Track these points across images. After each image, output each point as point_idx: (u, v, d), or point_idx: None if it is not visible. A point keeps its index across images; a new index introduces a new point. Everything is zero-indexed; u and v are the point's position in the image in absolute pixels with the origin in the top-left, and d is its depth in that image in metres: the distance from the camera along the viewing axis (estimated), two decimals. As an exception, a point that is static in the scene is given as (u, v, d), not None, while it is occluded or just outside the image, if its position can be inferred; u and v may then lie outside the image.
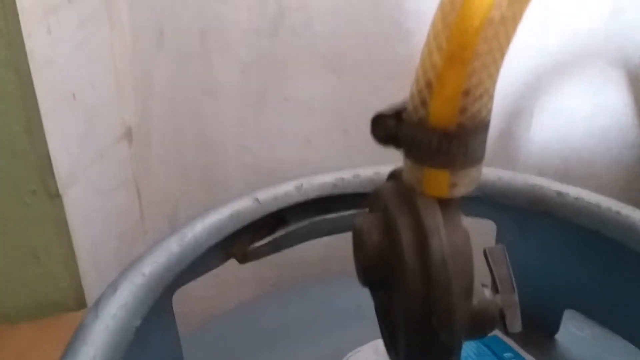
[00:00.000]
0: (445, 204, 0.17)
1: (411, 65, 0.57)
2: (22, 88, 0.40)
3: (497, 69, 0.16)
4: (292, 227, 0.33)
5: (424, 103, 0.16)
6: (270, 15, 0.50)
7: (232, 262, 0.65)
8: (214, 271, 0.66)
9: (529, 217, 0.32)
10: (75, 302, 0.50)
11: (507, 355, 0.32)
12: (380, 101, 0.58)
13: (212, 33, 0.51)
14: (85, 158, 0.49)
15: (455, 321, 0.16)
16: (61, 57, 0.44)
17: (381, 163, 0.35)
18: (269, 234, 0.33)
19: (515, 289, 0.21)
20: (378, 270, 0.18)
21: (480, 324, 0.20)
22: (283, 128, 0.56)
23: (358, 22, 0.50)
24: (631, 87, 0.54)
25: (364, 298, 0.41)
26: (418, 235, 0.17)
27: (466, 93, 0.16)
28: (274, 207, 0.32)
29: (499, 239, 0.35)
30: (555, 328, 0.35)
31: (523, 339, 0.34)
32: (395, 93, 0.60)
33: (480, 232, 0.23)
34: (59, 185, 0.44)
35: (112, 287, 0.24)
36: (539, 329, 0.35)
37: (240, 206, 0.30)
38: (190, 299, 0.39)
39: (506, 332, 0.20)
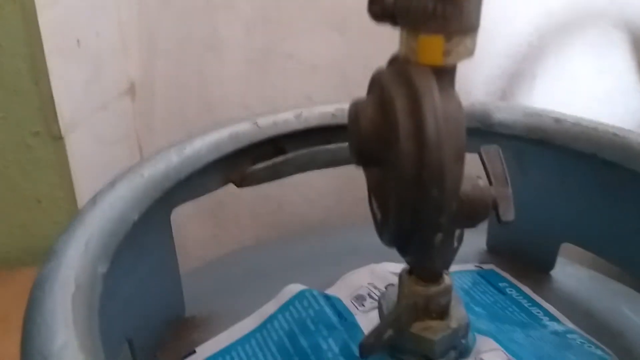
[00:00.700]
0: (440, 74, 0.18)
1: None
2: (26, 24, 0.41)
3: None
4: (290, 155, 0.33)
5: (419, -36, 0.16)
6: (274, -31, 0.51)
7: (231, 223, 0.65)
8: (212, 232, 0.67)
9: (527, 148, 0.32)
10: (76, 250, 0.50)
11: (502, 284, 0.33)
12: (383, 60, 0.58)
13: (216, -13, 0.52)
14: (88, 106, 0.49)
15: (446, 177, 0.17)
16: (66, 0, 0.44)
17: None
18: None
19: (509, 183, 0.21)
20: (372, 143, 0.18)
21: (474, 209, 0.20)
22: (285, 86, 0.56)
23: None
24: (635, 51, 0.54)
25: (360, 240, 0.42)
26: (411, 99, 0.17)
27: (461, -50, 0.16)
28: (272, 132, 0.32)
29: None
30: (551, 264, 0.35)
31: (518, 273, 0.34)
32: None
33: (479, 167, 0.23)
34: (61, 128, 0.45)
35: (111, 183, 0.24)
36: (535, 264, 0.35)
37: (239, 128, 0.31)
38: (189, 259, 0.39)
39: (499, 220, 0.21)
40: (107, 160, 0.53)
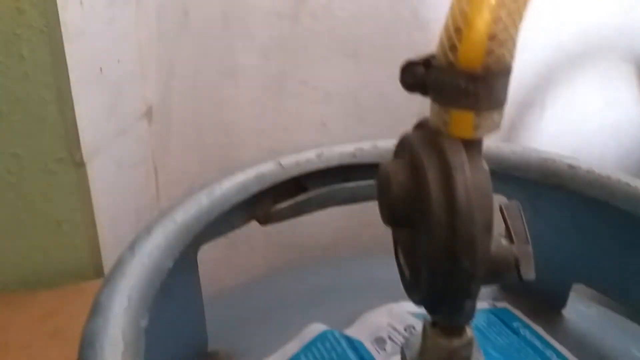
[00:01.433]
0: (469, 146, 0.19)
1: (426, 52, 0.58)
2: (54, 57, 0.42)
3: (522, 16, 0.17)
4: (312, 193, 0.34)
5: (453, 47, 0.18)
6: (292, -1, 0.52)
7: (243, 245, 0.66)
8: (225, 253, 0.68)
9: (541, 191, 0.33)
10: (94, 271, 0.51)
11: (515, 324, 0.34)
12: (396, 87, 0.59)
13: (234, 15, 0.53)
14: (109, 131, 0.50)
15: (477, 249, 0.18)
16: (91, 31, 0.45)
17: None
18: (290, 199, 0.34)
19: (530, 241, 0.22)
20: (403, 207, 0.19)
21: (497, 269, 0.21)
22: (300, 112, 0.57)
23: (377, 8, 0.52)
24: (642, 83, 0.55)
25: (376, 272, 0.42)
26: (443, 172, 0.18)
27: (492, 37, 0.17)
28: (295, 172, 0.33)
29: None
30: (563, 302, 0.36)
31: (531, 312, 0.35)
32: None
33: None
34: (84, 154, 0.46)
35: (146, 230, 0.25)
36: (547, 303, 0.36)
37: (264, 168, 0.32)
38: (202, 280, 0.40)
39: (520, 278, 0.22)
40: (124, 183, 0.55)
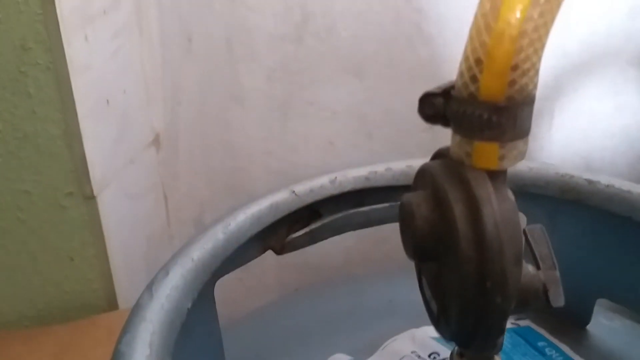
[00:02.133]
0: (493, 176, 0.18)
1: (433, 68, 0.58)
2: (61, 92, 0.42)
3: (543, 45, 0.17)
4: (326, 220, 0.34)
5: (474, 79, 0.17)
6: (295, 21, 0.52)
7: (255, 266, 0.66)
8: (237, 275, 0.67)
9: (559, 207, 0.33)
10: (107, 304, 0.51)
11: (540, 344, 0.33)
12: (402, 104, 0.59)
13: (238, 40, 0.53)
14: (117, 162, 0.50)
15: (509, 284, 0.17)
16: (97, 64, 0.45)
17: (412, 157, 0.36)
18: (304, 226, 0.34)
19: (557, 265, 0.22)
20: (428, 242, 0.19)
21: (525, 297, 0.20)
22: (307, 132, 0.57)
23: (380, 26, 0.52)
24: (651, 87, 0.55)
25: (394, 294, 0.42)
26: (469, 206, 0.18)
27: (515, 68, 0.17)
28: (309, 199, 0.33)
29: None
30: (587, 318, 0.35)
31: (555, 329, 0.34)
32: (417, 96, 0.61)
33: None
34: (93, 187, 0.46)
35: (164, 270, 0.25)
36: (571, 319, 0.35)
37: (278, 198, 0.31)
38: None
39: (549, 306, 0.21)
40: (134, 212, 0.54)
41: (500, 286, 0.17)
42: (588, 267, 0.33)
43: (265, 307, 0.44)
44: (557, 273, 0.22)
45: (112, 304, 0.51)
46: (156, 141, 0.58)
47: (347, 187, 0.34)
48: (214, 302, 0.30)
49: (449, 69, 0.53)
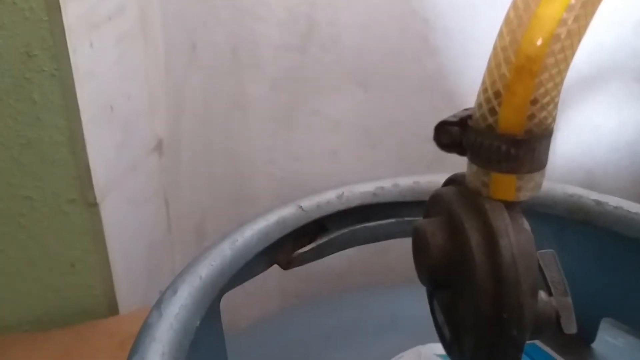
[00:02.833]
0: (510, 207, 0.18)
1: (438, 81, 0.58)
2: (65, 99, 0.42)
3: (562, 79, 0.17)
4: (333, 235, 0.34)
5: (492, 111, 0.17)
6: (300, 31, 0.52)
7: (257, 277, 0.66)
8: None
9: (566, 227, 0.33)
10: (108, 310, 0.51)
11: (546, 363, 0.33)
12: (406, 115, 0.59)
13: (243, 48, 0.53)
14: (120, 169, 0.50)
15: (525, 317, 0.17)
16: (101, 71, 0.45)
17: (419, 173, 0.36)
18: (310, 241, 0.33)
19: (569, 292, 0.22)
20: (443, 270, 0.19)
21: (539, 325, 0.20)
22: (310, 142, 0.57)
23: (386, 37, 0.52)
24: (655, 102, 0.55)
25: (397, 308, 0.42)
26: (486, 237, 0.18)
27: (534, 102, 0.17)
28: (316, 215, 0.32)
29: (537, 247, 0.35)
30: (592, 337, 0.35)
31: (561, 347, 0.34)
32: (422, 107, 0.61)
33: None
34: (96, 194, 0.45)
35: (172, 288, 0.24)
36: (577, 337, 0.35)
37: (285, 213, 0.31)
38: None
39: (562, 333, 0.21)
40: (136, 218, 0.54)
41: (516, 319, 0.17)
42: (594, 286, 0.33)
43: (265, 321, 0.44)
44: (570, 299, 0.22)
45: (112, 310, 0.51)
46: (158, 147, 0.58)
47: (354, 203, 0.34)
48: (220, 318, 0.30)
49: (454, 82, 0.53)
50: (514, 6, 0.17)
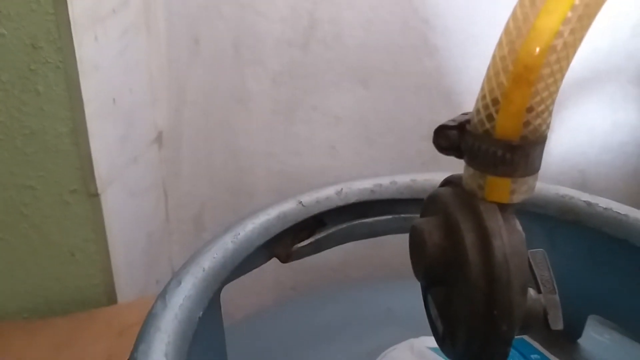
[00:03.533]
0: (503, 208, 0.19)
1: (437, 79, 0.59)
2: (70, 91, 0.42)
3: (557, 88, 0.18)
4: (331, 230, 0.34)
5: (490, 117, 0.18)
6: (302, 27, 0.52)
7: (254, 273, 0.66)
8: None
9: (558, 226, 0.34)
10: (107, 298, 0.51)
11: (534, 357, 0.34)
12: (405, 113, 0.60)
13: (245, 43, 0.53)
14: (122, 160, 0.51)
15: (515, 314, 0.18)
16: (105, 64, 0.46)
17: (417, 171, 0.37)
18: (309, 235, 0.34)
19: (557, 290, 0.23)
20: (438, 268, 0.20)
21: (527, 321, 0.21)
22: (310, 136, 0.57)
23: (387, 35, 0.52)
24: (648, 104, 0.56)
25: (392, 302, 0.43)
26: (480, 237, 0.19)
27: (530, 110, 0.17)
28: (315, 210, 0.33)
29: (528, 246, 0.36)
30: (579, 333, 0.36)
31: (548, 342, 0.36)
32: (421, 105, 0.62)
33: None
34: (98, 185, 0.46)
35: (176, 279, 0.25)
36: (563, 333, 0.36)
37: (285, 208, 0.32)
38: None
39: (548, 329, 0.22)
40: (135, 209, 0.55)
41: (506, 315, 0.18)
42: (582, 284, 0.34)
43: (260, 313, 0.45)
44: (557, 297, 0.23)
45: (111, 299, 0.52)
46: (159, 139, 0.58)
47: (352, 199, 0.34)
48: (220, 309, 0.30)
49: (452, 81, 0.54)
50: (514, 17, 0.17)
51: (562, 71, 0.17)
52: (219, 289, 0.29)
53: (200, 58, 0.54)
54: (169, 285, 0.25)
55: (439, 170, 0.34)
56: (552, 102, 0.18)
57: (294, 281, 0.67)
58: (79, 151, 0.45)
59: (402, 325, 0.37)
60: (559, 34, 0.17)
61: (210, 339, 0.29)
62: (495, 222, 0.18)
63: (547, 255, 0.24)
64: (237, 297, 0.62)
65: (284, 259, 0.33)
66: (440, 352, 0.33)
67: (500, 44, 0.18)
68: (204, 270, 0.26)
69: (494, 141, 0.18)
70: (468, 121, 0.19)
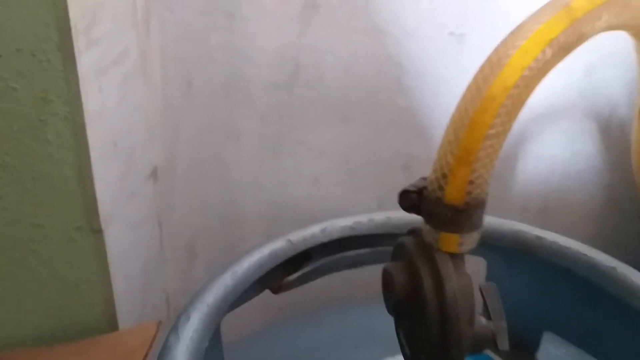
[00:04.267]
0: (454, 257, 0.24)
1: (409, 117, 0.64)
2: (76, 139, 0.46)
3: (493, 165, 0.23)
4: (317, 263, 0.39)
5: (440, 188, 0.23)
6: (288, 71, 0.57)
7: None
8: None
9: (514, 255, 0.39)
10: (108, 325, 0.55)
11: (496, 371, 0.39)
12: (383, 147, 0.66)
13: (235, 86, 0.58)
14: (122, 197, 0.55)
15: (462, 342, 0.23)
16: (107, 111, 0.50)
17: (390, 209, 0.41)
18: (297, 268, 0.39)
19: (504, 317, 0.28)
20: (404, 304, 0.25)
21: (478, 343, 0.26)
22: (295, 168, 0.62)
23: (365, 78, 0.57)
24: (603, 137, 0.62)
25: (373, 325, 0.47)
26: (435, 280, 0.23)
27: (471, 182, 0.22)
28: (303, 247, 0.38)
29: (488, 272, 0.41)
30: (536, 347, 0.41)
31: (509, 356, 0.40)
32: (396, 140, 0.67)
33: (474, 267, 0.30)
34: (101, 222, 0.50)
35: (185, 315, 0.30)
36: (523, 348, 0.41)
37: (276, 246, 0.37)
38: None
39: (497, 350, 0.27)
40: (134, 240, 0.59)
41: (456, 343, 0.23)
42: (537, 305, 0.39)
43: (249, 334, 0.48)
44: (504, 323, 0.27)
45: (113, 325, 0.55)
46: (154, 174, 0.62)
47: (335, 235, 0.39)
48: (220, 336, 0.35)
49: (424, 118, 0.60)
50: (459, 110, 0.22)
51: (497, 152, 0.22)
52: (220, 321, 0.33)
53: (193, 99, 0.59)
54: (179, 320, 0.30)
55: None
56: (489, 175, 0.23)
57: (281, 302, 0.71)
58: (84, 192, 0.48)
59: (382, 345, 0.41)
60: (492, 126, 0.22)
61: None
62: (448, 269, 0.23)
63: (497, 288, 0.29)
64: (229, 318, 0.66)
65: (276, 291, 0.38)
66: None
67: (448, 130, 0.23)
68: (208, 306, 0.31)
69: (444, 206, 0.23)
70: (425, 187, 0.24)
